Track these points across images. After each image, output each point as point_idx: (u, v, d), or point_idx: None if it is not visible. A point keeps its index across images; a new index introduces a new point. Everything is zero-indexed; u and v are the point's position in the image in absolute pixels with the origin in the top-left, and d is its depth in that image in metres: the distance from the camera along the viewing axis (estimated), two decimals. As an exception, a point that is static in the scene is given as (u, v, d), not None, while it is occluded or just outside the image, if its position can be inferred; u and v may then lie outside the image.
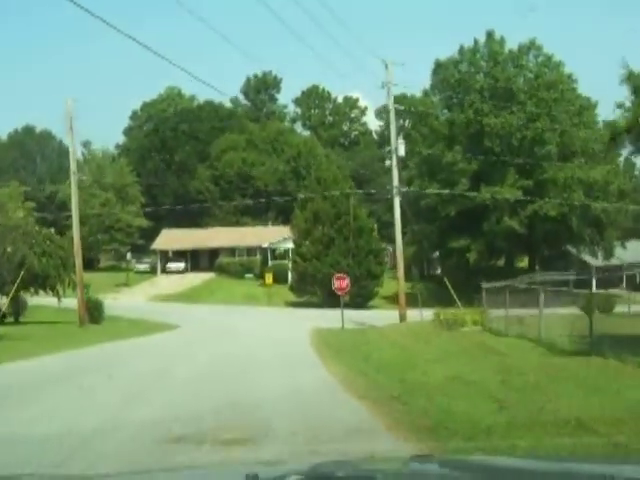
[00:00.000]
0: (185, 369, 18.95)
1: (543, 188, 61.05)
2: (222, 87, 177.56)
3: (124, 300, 65.52)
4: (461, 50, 65.43)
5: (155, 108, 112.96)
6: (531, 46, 64.88)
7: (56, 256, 43.03)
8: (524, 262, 78.73)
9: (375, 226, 64.87)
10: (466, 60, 64.84)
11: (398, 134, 45.27)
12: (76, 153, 45.33)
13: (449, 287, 45.70)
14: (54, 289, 43.85)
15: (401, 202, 44.73)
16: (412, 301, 69.10)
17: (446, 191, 56.61)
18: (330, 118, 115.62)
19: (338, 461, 4.89)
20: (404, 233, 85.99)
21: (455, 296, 44.93)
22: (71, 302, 44.75)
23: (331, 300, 62.12)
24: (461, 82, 64.40)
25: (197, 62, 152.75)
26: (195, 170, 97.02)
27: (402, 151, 44.16)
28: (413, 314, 44.39)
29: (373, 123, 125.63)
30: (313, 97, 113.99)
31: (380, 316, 52.28)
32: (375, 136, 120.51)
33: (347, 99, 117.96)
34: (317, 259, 61.04)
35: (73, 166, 39.74)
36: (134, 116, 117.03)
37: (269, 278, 63.44)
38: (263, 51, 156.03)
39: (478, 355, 19.36)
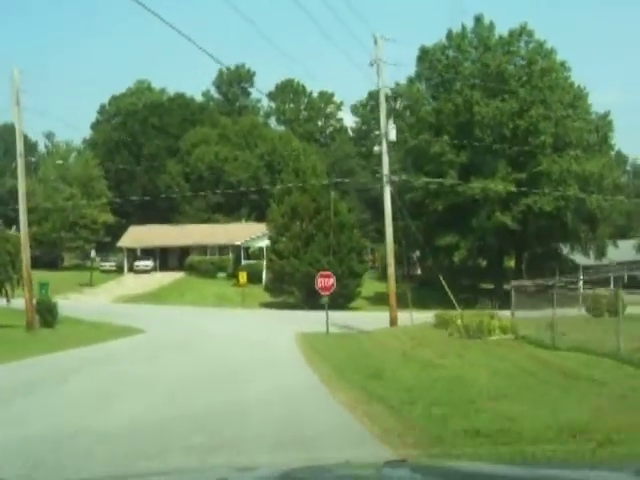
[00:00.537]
0: (131, 408, 12.88)
1: (537, 181, 56.08)
2: (193, 80, 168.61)
3: (86, 301, 59.97)
4: (449, 35, 60.28)
5: (124, 102, 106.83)
6: (522, 31, 59.88)
7: (3, 252, 37.15)
8: (510, 262, 73.97)
9: (355, 222, 59.36)
10: (454, 46, 59.71)
11: (387, 118, 39.84)
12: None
13: (445, 287, 40.42)
14: (1, 288, 37.98)
15: (391, 192, 39.40)
16: (398, 302, 64.14)
17: (437, 179, 51.34)
18: (305, 113, 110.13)
19: (311, 466, 4.23)
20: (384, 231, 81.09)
21: (453, 298, 39.61)
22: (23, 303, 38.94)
23: (310, 301, 56.79)
24: (449, 69, 59.24)
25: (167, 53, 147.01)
26: (165, 165, 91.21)
27: (393, 135, 38.86)
28: (402, 317, 39.10)
29: (349, 119, 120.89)
30: (288, 91, 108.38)
31: (366, 319, 47.47)
32: (351, 133, 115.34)
33: (322, 94, 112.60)
34: (295, 256, 55.62)
35: (20, 147, 33.90)
36: (102, 110, 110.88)
37: (243, 277, 57.96)
38: (235, 44, 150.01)
39: (559, 383, 13.71)
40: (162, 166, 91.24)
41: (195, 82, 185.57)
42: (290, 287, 57.35)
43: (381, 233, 76.15)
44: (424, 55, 61.12)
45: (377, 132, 44.06)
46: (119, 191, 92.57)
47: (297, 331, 35.27)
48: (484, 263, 69.16)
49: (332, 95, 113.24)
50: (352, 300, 57.77)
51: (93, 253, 71.82)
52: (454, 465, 5.10)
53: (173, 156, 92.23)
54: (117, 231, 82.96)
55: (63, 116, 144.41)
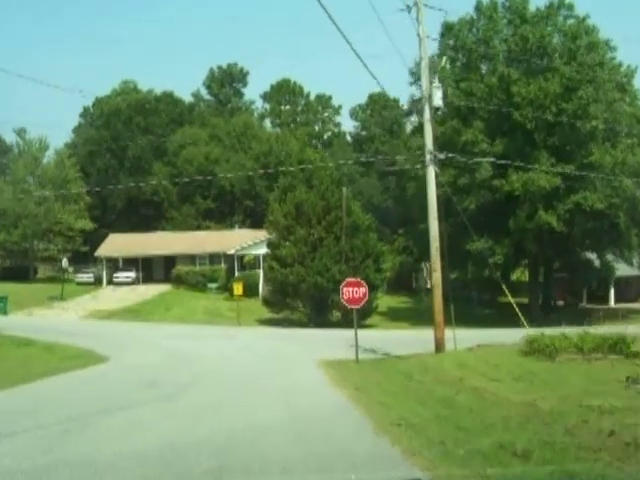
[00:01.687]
0: None
1: (585, 175, 45.87)
2: (183, 80, 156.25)
3: (53, 317, 49.32)
4: (478, 6, 50.06)
5: (108, 104, 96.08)
6: (561, 4, 49.69)
7: None
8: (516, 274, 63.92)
9: (373, 224, 48.76)
10: (485, 18, 49.42)
11: (430, 77, 29.37)
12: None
13: (511, 300, 30.17)
14: None
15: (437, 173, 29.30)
16: (409, 318, 53.66)
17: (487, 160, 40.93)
18: (303, 116, 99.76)
19: None
20: (394, 240, 70.56)
21: (521, 315, 29.43)
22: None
23: (318, 317, 46.32)
24: (479, 45, 48.98)
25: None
26: (150, 168, 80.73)
27: (438, 99, 28.58)
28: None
29: (348, 124, 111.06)
30: (283, 92, 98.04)
31: (391, 339, 37.42)
32: (349, 138, 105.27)
33: (320, 97, 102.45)
34: (301, 264, 45.11)
35: None
36: (85, 113, 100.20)
37: (238, 289, 47.33)
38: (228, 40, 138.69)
39: None
40: (147, 169, 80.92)
41: (184, 83, 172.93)
42: (294, 301, 46.83)
43: (381, 240, 65.79)
44: (448, 32, 50.78)
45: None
46: (100, 196, 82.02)
47: (316, 358, 25.28)
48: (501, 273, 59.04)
49: (330, 98, 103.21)
50: (368, 316, 47.21)
51: (65, 263, 60.93)
52: None
53: (159, 158, 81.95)
54: (96, 240, 72.33)
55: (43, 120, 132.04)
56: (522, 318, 30.36)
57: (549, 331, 32.51)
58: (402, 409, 12.84)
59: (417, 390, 16.72)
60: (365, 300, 26.56)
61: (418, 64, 30.63)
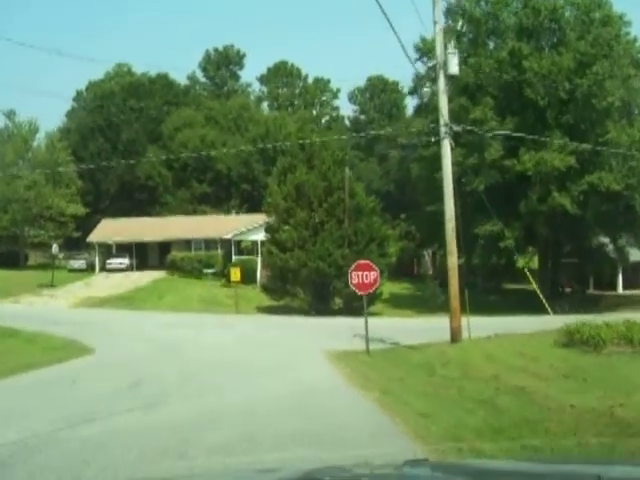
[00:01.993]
0: None
1: (600, 155, 43.26)
2: (177, 62, 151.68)
3: (41, 305, 46.66)
4: (485, -23, 47.24)
5: (102, 88, 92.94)
6: (572, -24, 46.86)
7: None
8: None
9: (377, 206, 46.01)
10: (492, -11, 46.59)
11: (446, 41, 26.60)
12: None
13: (535, 286, 27.67)
14: None
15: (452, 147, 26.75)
16: (413, 305, 51.10)
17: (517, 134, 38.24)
18: (300, 100, 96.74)
19: (332, 467, 3.86)
20: (396, 225, 67.76)
21: (545, 302, 26.99)
22: None
23: (319, 304, 43.65)
24: (488, 18, 46.18)
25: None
26: (144, 152, 77.79)
27: (454, 66, 25.87)
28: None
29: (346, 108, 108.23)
30: (281, 74, 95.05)
31: (399, 328, 34.81)
32: (348, 122, 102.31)
33: (318, 81, 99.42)
34: (301, 248, 42.43)
35: None
36: (78, 97, 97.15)
37: (236, 274, 44.66)
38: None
39: None
40: (141, 153, 77.91)
41: (179, 66, 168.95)
42: (294, 287, 44.13)
43: (394, 225, 63.22)
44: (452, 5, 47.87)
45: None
46: (93, 181, 79.19)
47: (323, 350, 22.65)
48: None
49: (328, 81, 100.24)
50: (371, 303, 44.47)
51: (55, 248, 58.08)
52: (474, 463, 5.01)
53: (154, 142, 79.03)
54: (89, 226, 69.37)
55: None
56: (547, 305, 27.74)
57: (572, 319, 29.94)
58: (447, 421, 10.21)
59: (447, 389, 14.10)
60: (376, 286, 23.92)
61: (422, 41, 27.81)
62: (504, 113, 44.19)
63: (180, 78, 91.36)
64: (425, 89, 30.68)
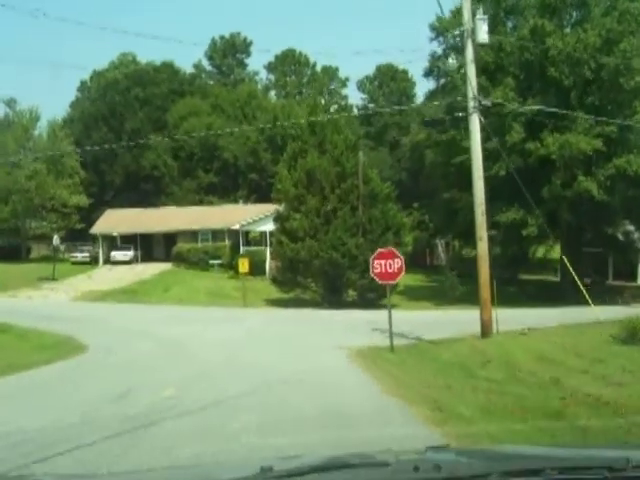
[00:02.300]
0: None
1: (627, 138, 40.64)
2: (184, 50, 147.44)
3: (41, 299, 44.31)
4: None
5: (106, 77, 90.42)
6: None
7: None
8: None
9: (392, 193, 43.37)
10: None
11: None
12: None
13: (575, 277, 25.12)
14: None
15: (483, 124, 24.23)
16: (430, 297, 48.52)
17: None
18: (309, 88, 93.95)
19: (354, 453, 3.73)
20: (418, 206, 65.11)
21: (585, 292, 24.50)
22: None
23: (332, 296, 41.15)
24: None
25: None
26: (149, 141, 75.21)
27: (484, 34, 23.27)
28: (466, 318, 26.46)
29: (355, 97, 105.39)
30: (288, 62, 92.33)
31: (418, 321, 32.30)
32: (356, 111, 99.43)
33: (326, 69, 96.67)
34: (313, 238, 39.87)
35: None
36: (83, 87, 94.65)
37: (244, 265, 42.16)
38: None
39: None
40: (146, 142, 75.36)
41: (185, 55, 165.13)
42: (305, 279, 41.60)
43: (407, 212, 60.56)
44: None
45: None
46: (97, 172, 76.74)
47: (342, 346, 20.50)
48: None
49: (337, 70, 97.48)
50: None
51: (56, 240, 55.61)
52: (496, 448, 5.12)
53: (159, 131, 76.33)
54: (94, 217, 66.98)
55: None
56: (587, 297, 25.23)
57: (611, 311, 27.40)
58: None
59: (501, 396, 11.49)
60: (401, 275, 21.33)
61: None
62: (525, 94, 41.50)
63: (186, 66, 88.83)
64: (450, 60, 27.97)
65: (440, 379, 14.06)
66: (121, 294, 46.06)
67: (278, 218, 42.64)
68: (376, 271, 21.15)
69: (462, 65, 32.85)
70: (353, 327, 28.80)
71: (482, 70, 41.88)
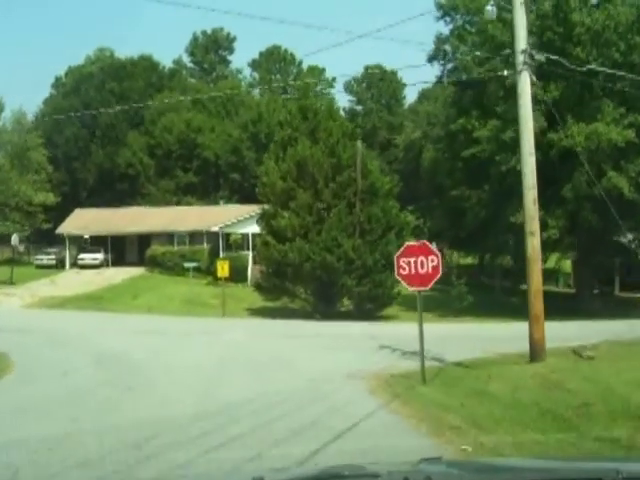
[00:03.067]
0: None
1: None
2: (164, 46, 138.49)
3: (-11, 305, 37.91)
4: None
5: (82, 73, 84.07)
6: None
7: None
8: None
9: (395, 188, 37.53)
10: None
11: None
12: None
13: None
14: None
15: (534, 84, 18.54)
16: (433, 308, 42.46)
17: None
18: (293, 90, 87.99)
19: (345, 465, 3.61)
20: (413, 210, 59.36)
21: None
22: None
23: (325, 305, 35.26)
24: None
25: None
26: (125, 138, 69.13)
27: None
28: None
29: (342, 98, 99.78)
30: (274, 60, 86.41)
31: (431, 335, 26.20)
32: (343, 114, 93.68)
33: (312, 69, 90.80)
34: (304, 238, 33.91)
35: None
36: (57, 83, 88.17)
37: (224, 269, 36.13)
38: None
39: None
40: (122, 139, 69.25)
41: (165, 51, 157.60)
42: (294, 285, 35.54)
43: (411, 210, 54.49)
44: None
45: None
46: (69, 171, 70.48)
47: (354, 373, 14.78)
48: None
49: (323, 70, 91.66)
50: (387, 304, 36.11)
51: (15, 240, 49.19)
52: (490, 460, 5.14)
53: (135, 127, 70.24)
54: (64, 218, 60.53)
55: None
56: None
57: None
58: None
59: None
60: (437, 277, 15.32)
61: None
62: (547, 77, 35.81)
63: (165, 61, 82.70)
64: (488, 6, 22.44)
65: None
66: (84, 301, 39.85)
67: (264, 216, 36.64)
68: (403, 273, 15.21)
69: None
70: (357, 344, 22.97)
71: (496, 48, 36.42)
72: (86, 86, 73.71)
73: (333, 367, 16.89)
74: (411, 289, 15.54)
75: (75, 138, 71.11)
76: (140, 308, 38.58)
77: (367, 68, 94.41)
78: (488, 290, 50.90)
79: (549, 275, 57.95)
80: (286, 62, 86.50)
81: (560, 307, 40.08)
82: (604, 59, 35.11)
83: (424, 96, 71.57)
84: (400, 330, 30.01)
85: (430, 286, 15.30)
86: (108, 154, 69.31)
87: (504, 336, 26.97)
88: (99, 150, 69.92)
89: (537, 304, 17.48)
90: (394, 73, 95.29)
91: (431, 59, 40.99)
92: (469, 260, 63.29)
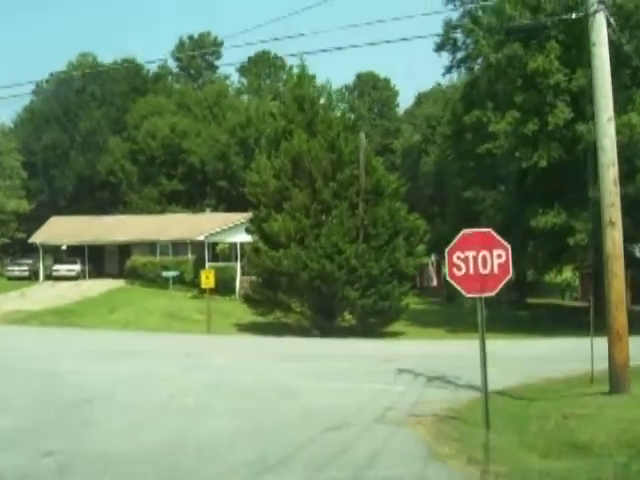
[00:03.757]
0: None
1: None
2: (149, 50, 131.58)
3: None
4: None
5: (62, 78, 79.10)
6: None
7: None
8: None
9: (403, 188, 32.87)
10: None
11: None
12: None
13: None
14: None
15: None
16: (440, 323, 38.32)
17: None
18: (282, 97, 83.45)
19: None
20: (426, 215, 54.99)
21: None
22: None
23: (325, 321, 30.51)
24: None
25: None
26: (106, 144, 64.31)
27: None
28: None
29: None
30: (263, 65, 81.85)
31: (451, 356, 22.22)
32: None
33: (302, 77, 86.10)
34: (300, 243, 29.22)
35: None
36: (38, 90, 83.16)
37: (209, 280, 31.41)
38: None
39: None
40: (103, 145, 64.43)
41: (150, 56, 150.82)
42: (288, 297, 30.70)
43: (425, 215, 49.86)
44: None
45: None
46: (47, 178, 65.59)
47: (386, 415, 10.27)
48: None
49: (314, 77, 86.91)
50: (394, 319, 31.35)
51: (-20, 249, 44.26)
52: None
53: (117, 133, 65.41)
54: (40, 227, 55.53)
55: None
56: None
57: None
58: None
59: None
60: (507, 279, 10.59)
61: None
62: (573, 64, 31.38)
63: (150, 66, 78.04)
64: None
65: None
66: (52, 315, 34.97)
67: (254, 219, 31.83)
68: (457, 274, 10.52)
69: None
70: (370, 367, 18.33)
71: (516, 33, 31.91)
72: (66, 90, 68.83)
73: (353, 403, 12.23)
74: (469, 296, 10.81)
75: (54, 144, 66.22)
76: (115, 323, 33.84)
77: (359, 76, 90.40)
78: (493, 304, 46.28)
79: (553, 289, 53.49)
80: (276, 67, 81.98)
81: (580, 322, 35.58)
82: (638, 41, 30.80)
83: (421, 99, 67.11)
84: (414, 349, 25.39)
85: (496, 291, 10.62)
86: (88, 161, 64.49)
87: (535, 355, 22.56)
88: (79, 157, 65.05)
89: (620, 317, 12.99)
90: (387, 80, 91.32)
91: (440, 48, 36.48)
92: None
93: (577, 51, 32.46)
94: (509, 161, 32.14)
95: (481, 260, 10.44)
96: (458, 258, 10.52)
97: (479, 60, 35.23)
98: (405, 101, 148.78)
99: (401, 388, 14.23)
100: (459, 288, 10.70)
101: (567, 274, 46.34)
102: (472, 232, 10.94)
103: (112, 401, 12.42)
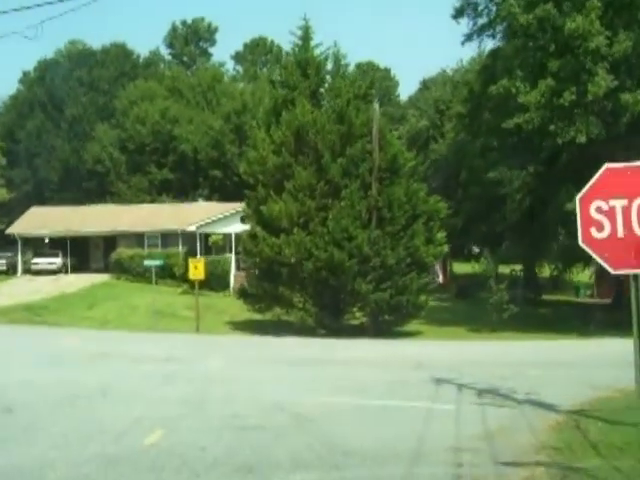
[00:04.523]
0: None
1: None
2: (141, 36, 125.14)
3: None
4: None
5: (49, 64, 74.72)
6: None
7: None
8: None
9: (421, 165, 28.51)
10: None
11: None
12: None
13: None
14: None
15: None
16: (458, 321, 34.00)
17: None
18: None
19: None
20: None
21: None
22: None
23: (332, 319, 26.11)
24: None
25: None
26: (93, 131, 59.88)
27: None
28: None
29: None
30: (259, 52, 77.46)
31: (486, 360, 17.79)
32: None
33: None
34: (304, 228, 24.91)
35: None
36: (25, 78, 78.76)
37: (198, 270, 27.18)
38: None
39: None
40: (89, 132, 59.99)
41: (141, 43, 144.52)
42: (290, 291, 26.31)
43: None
44: None
45: None
46: (32, 167, 61.21)
47: (440, 443, 6.86)
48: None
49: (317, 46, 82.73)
50: (412, 316, 27.02)
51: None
52: None
53: (106, 120, 60.94)
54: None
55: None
56: None
57: None
58: None
59: None
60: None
61: None
62: (615, 26, 27.14)
63: (141, 51, 73.48)
64: None
65: None
66: (22, 312, 30.63)
67: (251, 201, 27.44)
68: (597, 236, 6.18)
69: None
70: (401, 377, 14.18)
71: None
72: (51, 74, 64.40)
73: (396, 436, 7.96)
74: (615, 273, 6.53)
75: (38, 132, 61.76)
76: (93, 321, 29.65)
77: (359, 65, 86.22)
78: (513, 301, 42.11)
79: (566, 286, 49.32)
80: (272, 54, 77.52)
81: (610, 320, 31.45)
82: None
83: (427, 85, 62.93)
84: (443, 352, 21.12)
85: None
86: (74, 149, 60.05)
87: (584, 360, 18.56)
88: (65, 145, 60.55)
89: None
90: (387, 70, 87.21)
91: (458, 13, 32.14)
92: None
93: (618, 11, 28.43)
94: (541, 137, 27.89)
95: (637, 213, 6.18)
96: (599, 210, 6.24)
97: (503, 26, 31.00)
98: (407, 88, 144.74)
99: (449, 407, 10.16)
100: (599, 260, 6.45)
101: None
102: (623, 167, 6.62)
103: (65, 426, 8.10)
